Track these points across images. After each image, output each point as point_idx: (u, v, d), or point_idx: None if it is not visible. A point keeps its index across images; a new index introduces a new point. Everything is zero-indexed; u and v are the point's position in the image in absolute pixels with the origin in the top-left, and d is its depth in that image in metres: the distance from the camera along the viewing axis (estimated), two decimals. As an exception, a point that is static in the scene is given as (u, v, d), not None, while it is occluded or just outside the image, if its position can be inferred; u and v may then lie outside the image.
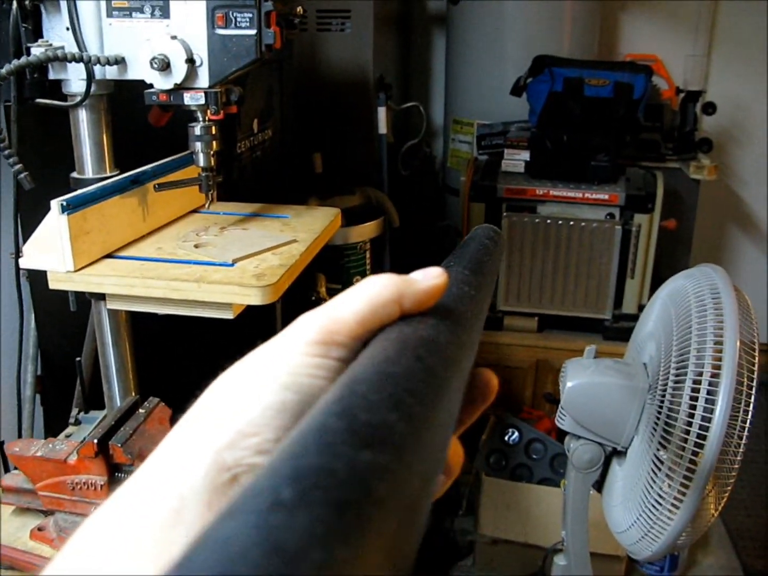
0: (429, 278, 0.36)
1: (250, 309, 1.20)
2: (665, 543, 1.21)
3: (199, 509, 0.31)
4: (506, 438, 2.30)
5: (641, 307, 2.53)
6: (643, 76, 2.30)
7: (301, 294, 1.97)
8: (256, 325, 1.54)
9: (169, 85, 1.21)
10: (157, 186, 1.25)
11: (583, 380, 1.31)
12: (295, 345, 0.34)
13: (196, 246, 1.22)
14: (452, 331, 0.36)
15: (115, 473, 1.12)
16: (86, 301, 1.32)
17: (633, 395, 1.28)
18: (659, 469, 1.18)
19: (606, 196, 2.42)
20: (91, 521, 0.33)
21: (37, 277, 1.63)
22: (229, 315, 1.12)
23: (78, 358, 1.49)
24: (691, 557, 2.53)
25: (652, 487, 1.19)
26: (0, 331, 1.78)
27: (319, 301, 2.06)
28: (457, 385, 0.34)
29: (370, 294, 0.34)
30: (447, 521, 2.42)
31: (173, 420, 1.14)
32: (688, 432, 1.12)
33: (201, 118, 1.25)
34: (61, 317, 1.68)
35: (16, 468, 1.40)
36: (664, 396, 1.21)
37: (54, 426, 1.64)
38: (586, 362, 1.35)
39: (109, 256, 1.21)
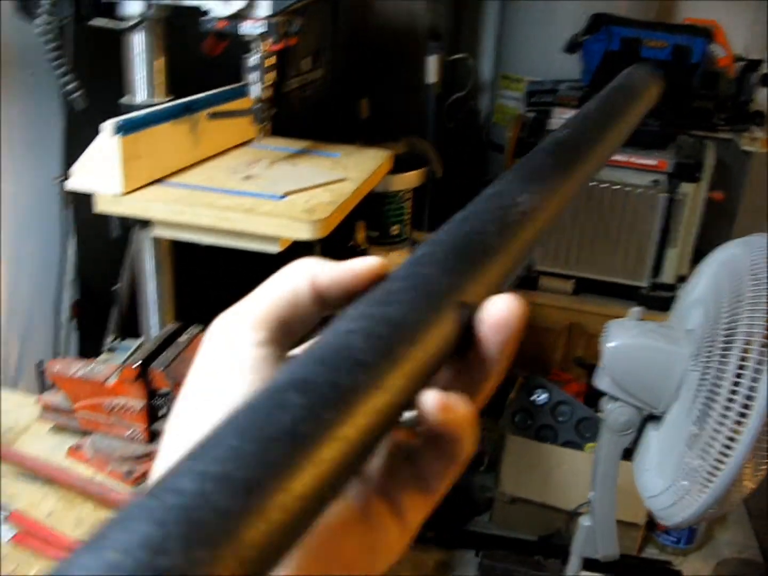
0: (353, 262, 0.34)
1: (287, 254, 1.19)
2: (697, 512, 1.20)
3: None
4: (533, 398, 2.29)
5: (680, 278, 2.50)
6: (702, 40, 2.24)
7: (339, 241, 1.96)
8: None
9: (229, 12, 1.18)
10: (210, 114, 1.24)
11: (626, 341, 1.29)
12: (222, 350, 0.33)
13: (245, 178, 1.20)
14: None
15: (153, 399, 1.12)
16: (126, 229, 1.31)
17: (675, 360, 1.26)
18: (697, 438, 1.16)
19: (654, 162, 2.37)
20: None
21: (80, 204, 1.62)
22: (275, 248, 1.11)
23: (115, 287, 1.49)
24: (708, 532, 2.53)
25: (690, 453, 1.17)
26: (34, 261, 1.78)
27: (355, 249, 2.04)
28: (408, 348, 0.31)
29: (280, 281, 0.34)
30: (467, 476, 2.42)
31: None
32: (731, 401, 1.10)
33: (259, 49, 1.22)
34: (101, 245, 1.68)
35: (53, 387, 1.42)
36: (708, 364, 1.19)
37: (87, 352, 1.65)
38: (629, 323, 1.33)
39: (157, 182, 1.19)
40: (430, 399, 0.32)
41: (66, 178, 1.51)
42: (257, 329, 0.33)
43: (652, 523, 2.43)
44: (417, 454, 0.36)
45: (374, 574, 0.35)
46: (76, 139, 1.39)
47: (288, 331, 0.34)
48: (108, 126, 1.10)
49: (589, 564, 1.58)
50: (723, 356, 1.16)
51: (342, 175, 1.23)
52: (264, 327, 0.33)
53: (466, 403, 0.33)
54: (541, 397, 2.28)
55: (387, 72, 2.43)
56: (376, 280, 0.34)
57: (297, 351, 0.35)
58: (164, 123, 1.20)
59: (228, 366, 0.32)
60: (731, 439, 1.11)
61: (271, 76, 1.25)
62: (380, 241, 2.13)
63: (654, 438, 1.33)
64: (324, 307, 0.34)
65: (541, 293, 2.53)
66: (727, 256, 1.30)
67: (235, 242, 1.13)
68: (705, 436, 1.13)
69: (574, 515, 1.54)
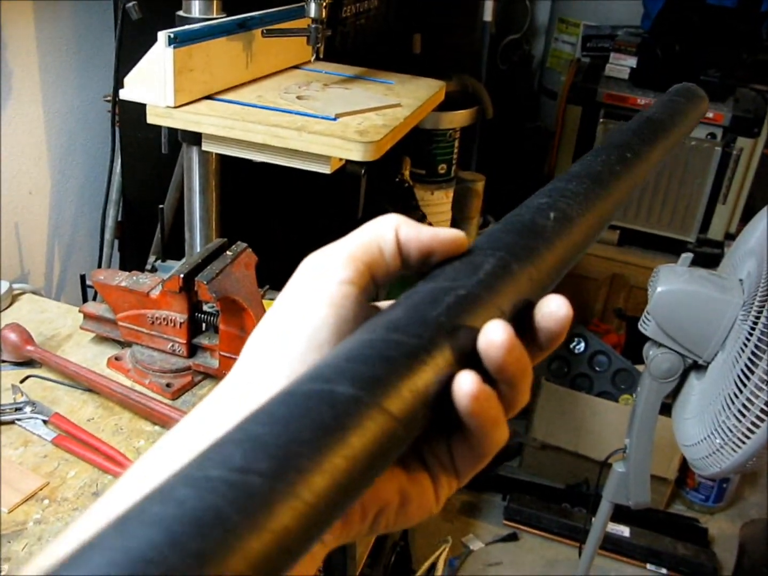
0: (437, 228, 0.38)
1: (335, 183, 1.17)
2: (735, 463, 1.18)
3: None
4: (571, 346, 2.27)
5: (728, 235, 2.45)
6: (774, -12, 2.16)
7: (385, 175, 1.94)
8: (338, 202, 1.52)
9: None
10: (265, 31, 1.21)
11: (675, 287, 1.27)
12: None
13: (298, 98, 1.18)
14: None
15: (195, 313, 1.12)
16: (173, 149, 1.30)
17: (725, 309, 1.23)
18: (741, 390, 1.14)
19: (710, 115, 2.31)
20: (173, 433, 0.35)
21: (127, 123, 1.62)
22: (326, 169, 1.10)
23: (161, 206, 1.48)
24: (737, 492, 2.51)
25: (731, 406, 1.15)
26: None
27: (402, 184, 2.02)
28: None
29: (368, 228, 0.38)
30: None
31: (258, 268, 1.13)
32: (781, 352, 1.08)
33: (318, -35, 1.19)
34: (146, 166, 1.68)
35: (94, 299, 1.42)
36: (759, 315, 1.16)
37: (129, 271, 1.65)
38: (679, 269, 1.30)
39: (209, 97, 1.18)
40: (465, 385, 0.33)
41: (116, 97, 1.50)
42: (344, 267, 0.36)
43: (681, 479, 2.42)
44: (452, 437, 0.38)
45: (405, 522, 0.38)
46: (130, 53, 1.37)
47: (371, 277, 0.37)
48: (162, 37, 1.09)
49: (615, 514, 1.58)
50: (774, 307, 1.13)
51: (396, 100, 1.21)
52: (350, 266, 0.36)
53: (498, 401, 0.35)
54: (579, 345, 2.26)
55: (442, 8, 2.37)
56: (455, 250, 0.37)
57: (379, 304, 0.39)
58: (219, 38, 1.18)
59: (312, 296, 0.36)
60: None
61: (329, -5, 1.22)
62: (426, 179, 2.10)
63: (696, 387, 1.31)
64: (404, 264, 0.37)
65: (585, 242, 2.50)
66: (787, 206, 1.26)
67: (286, 161, 1.11)
68: (751, 386, 1.11)
69: (605, 464, 1.53)
